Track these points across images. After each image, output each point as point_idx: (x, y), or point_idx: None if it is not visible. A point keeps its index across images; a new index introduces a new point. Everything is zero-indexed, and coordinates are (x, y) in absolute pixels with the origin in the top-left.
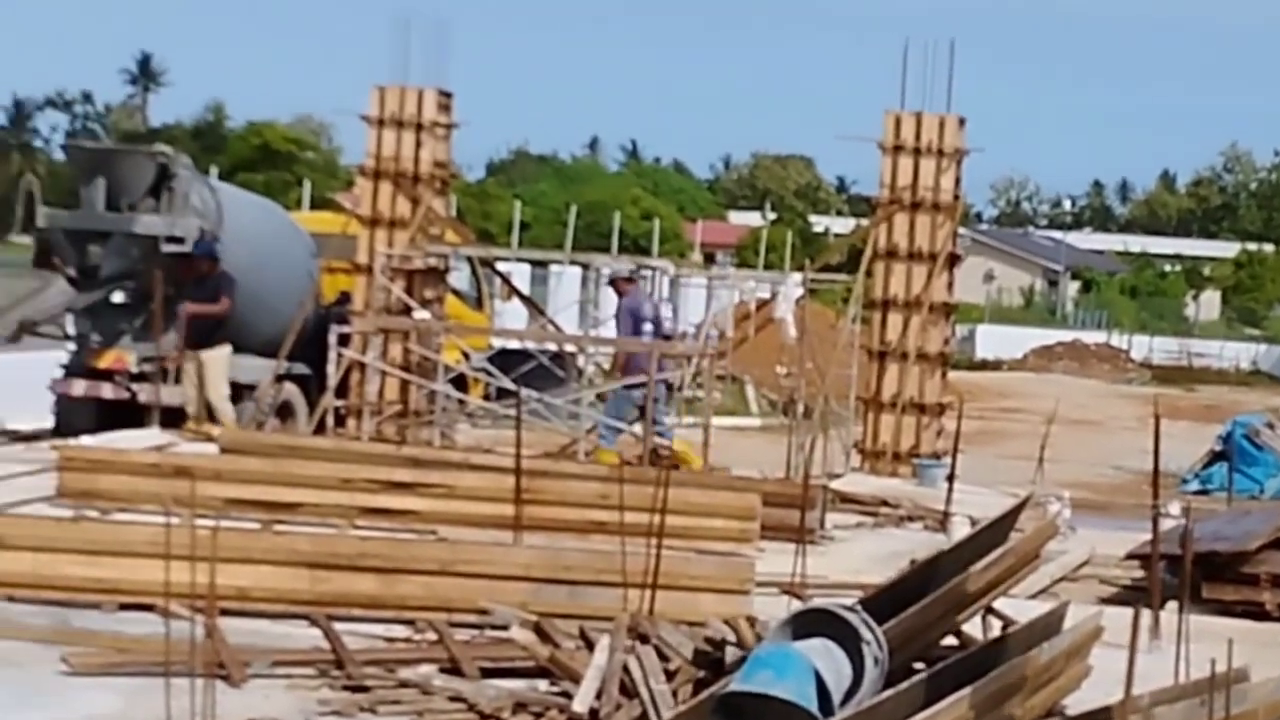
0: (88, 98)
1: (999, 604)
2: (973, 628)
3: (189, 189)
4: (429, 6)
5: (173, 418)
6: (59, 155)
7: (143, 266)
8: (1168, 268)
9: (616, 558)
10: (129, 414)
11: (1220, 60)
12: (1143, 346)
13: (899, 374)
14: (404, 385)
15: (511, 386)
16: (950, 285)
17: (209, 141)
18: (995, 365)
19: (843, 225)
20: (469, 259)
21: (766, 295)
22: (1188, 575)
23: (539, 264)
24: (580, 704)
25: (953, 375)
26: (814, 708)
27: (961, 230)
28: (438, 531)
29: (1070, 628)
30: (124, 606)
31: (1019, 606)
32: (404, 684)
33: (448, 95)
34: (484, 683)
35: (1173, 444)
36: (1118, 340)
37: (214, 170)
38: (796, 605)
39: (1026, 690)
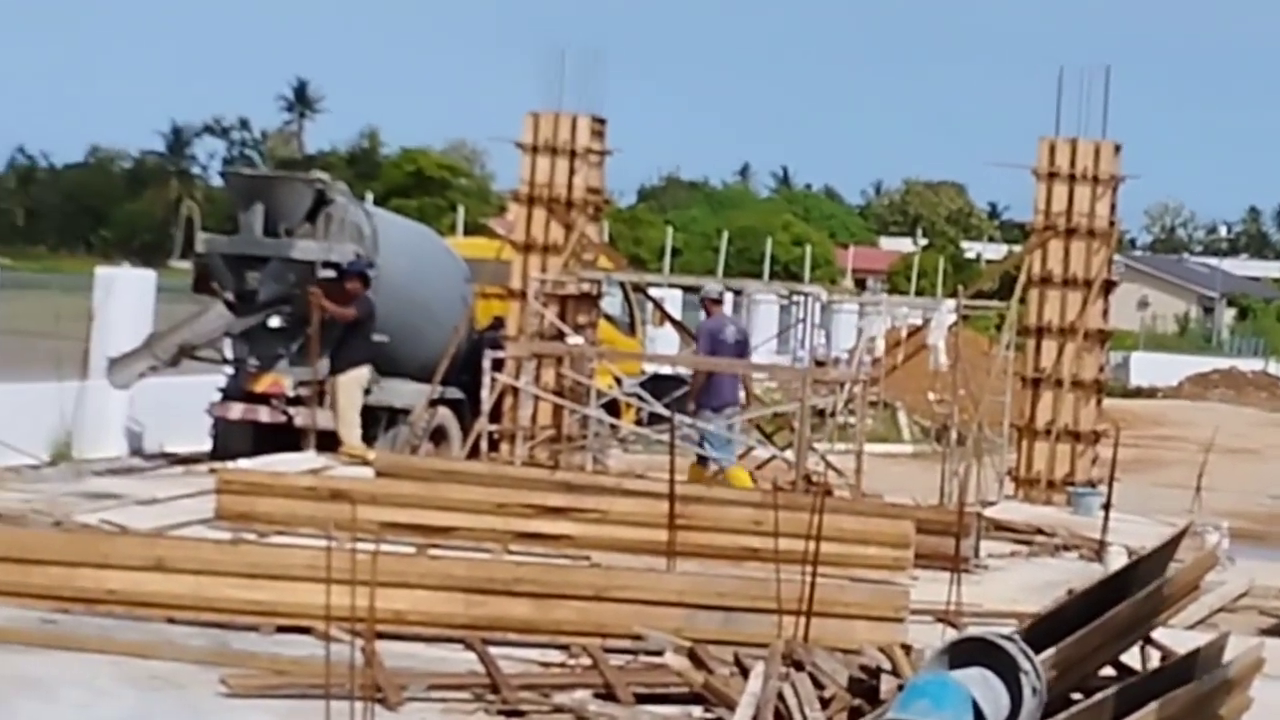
0: (245, 124)
1: (1158, 634)
2: (1131, 658)
3: (345, 214)
4: (583, 34)
5: (328, 441)
6: (216, 181)
7: (299, 291)
8: None
9: (770, 584)
10: (285, 437)
11: None
12: None
13: (1053, 401)
14: (557, 410)
15: (664, 412)
16: (1105, 312)
17: (363, 168)
18: (1150, 393)
19: (995, 251)
20: (622, 284)
21: (918, 321)
22: None
23: (691, 290)
24: None
25: (1107, 403)
26: None
27: (1116, 256)
28: (591, 557)
29: (1231, 659)
30: (282, 629)
31: (1178, 637)
32: (559, 709)
33: (601, 121)
34: (638, 708)
35: None
36: (1275, 368)
37: (369, 196)
38: (952, 634)
39: None
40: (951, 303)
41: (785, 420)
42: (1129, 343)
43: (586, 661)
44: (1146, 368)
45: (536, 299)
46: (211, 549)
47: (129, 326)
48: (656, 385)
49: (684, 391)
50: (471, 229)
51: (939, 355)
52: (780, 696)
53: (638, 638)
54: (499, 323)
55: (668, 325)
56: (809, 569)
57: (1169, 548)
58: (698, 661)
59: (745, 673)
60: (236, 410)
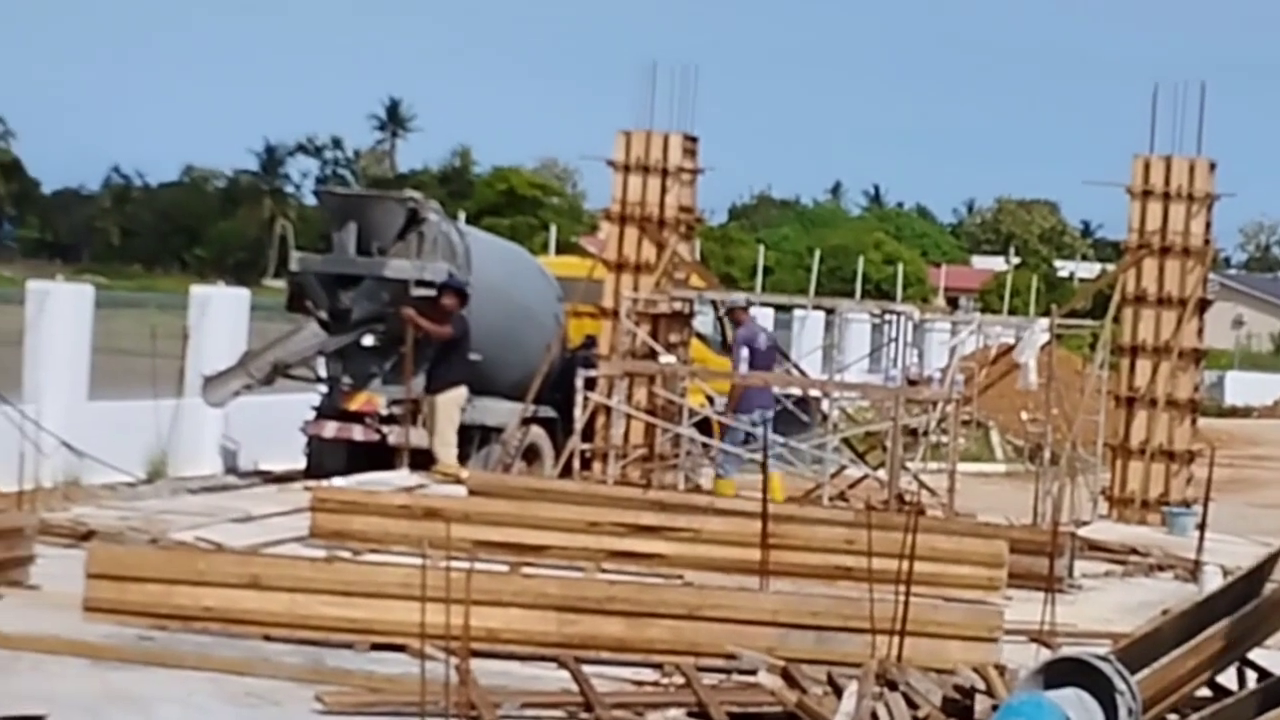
0: (337, 143)
1: (1254, 655)
2: (1228, 679)
3: (438, 233)
4: (675, 52)
5: (421, 459)
6: (310, 200)
7: (392, 310)
8: None
9: (863, 603)
10: (378, 455)
11: None
12: None
13: (1148, 420)
14: (649, 429)
15: (756, 431)
16: (1200, 330)
17: (455, 187)
18: (1245, 412)
19: (1088, 270)
20: (713, 303)
21: (1011, 340)
22: None
23: (782, 308)
24: None
25: (1201, 422)
26: None
27: (1211, 275)
28: (684, 575)
29: None
30: (376, 646)
31: (1275, 658)
32: None
33: (693, 139)
34: None
35: None
36: None
37: (461, 215)
38: (1046, 654)
39: None
40: (1045, 322)
41: (878, 439)
42: (1224, 362)
43: (680, 680)
44: (1241, 387)
45: (629, 318)
46: (306, 567)
47: (224, 345)
48: None
49: (778, 410)
50: (563, 247)
51: (1029, 374)
52: (874, 716)
53: (731, 657)
54: (591, 341)
55: None
56: (902, 588)
57: (1265, 567)
58: (791, 681)
59: (839, 692)
60: (330, 428)
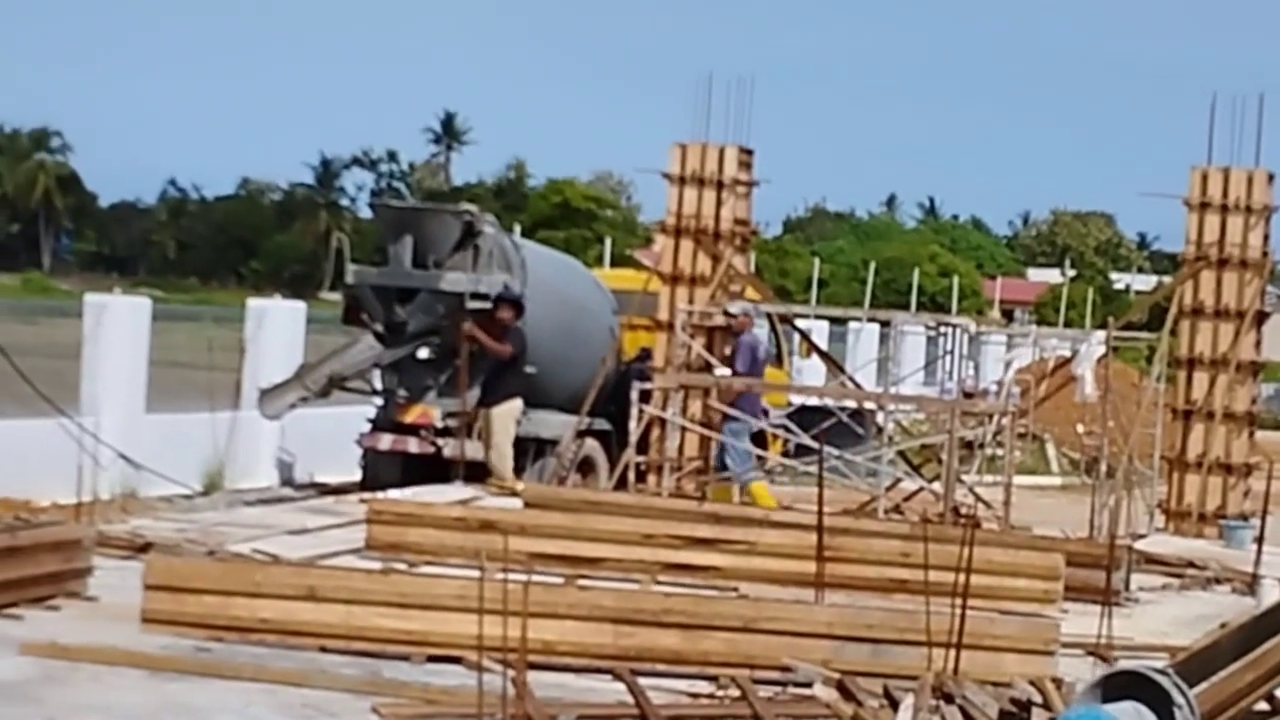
0: (393, 156)
1: None
2: None
3: (494, 246)
4: (731, 64)
5: (476, 471)
6: (365, 213)
7: (448, 323)
8: None
9: (919, 616)
10: (434, 468)
11: None
12: None
13: (1205, 433)
14: (704, 441)
15: (811, 443)
16: (1257, 343)
17: (510, 199)
18: None
19: (1144, 282)
20: (768, 316)
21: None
22: None
23: (837, 321)
24: None
25: (1259, 435)
26: None
27: (1269, 287)
28: (739, 588)
29: None
30: (432, 658)
31: None
32: None
33: (749, 152)
34: None
35: None
36: None
37: (516, 228)
38: (1103, 668)
39: None
40: (1101, 334)
41: (933, 452)
42: None
43: (735, 693)
44: None
45: (684, 330)
46: (362, 579)
47: (280, 358)
48: (804, 416)
49: (833, 422)
50: (618, 260)
51: (1085, 387)
52: None
53: (786, 669)
54: (646, 354)
55: (814, 356)
56: (958, 601)
57: None
58: (846, 693)
59: (895, 705)
60: (386, 441)
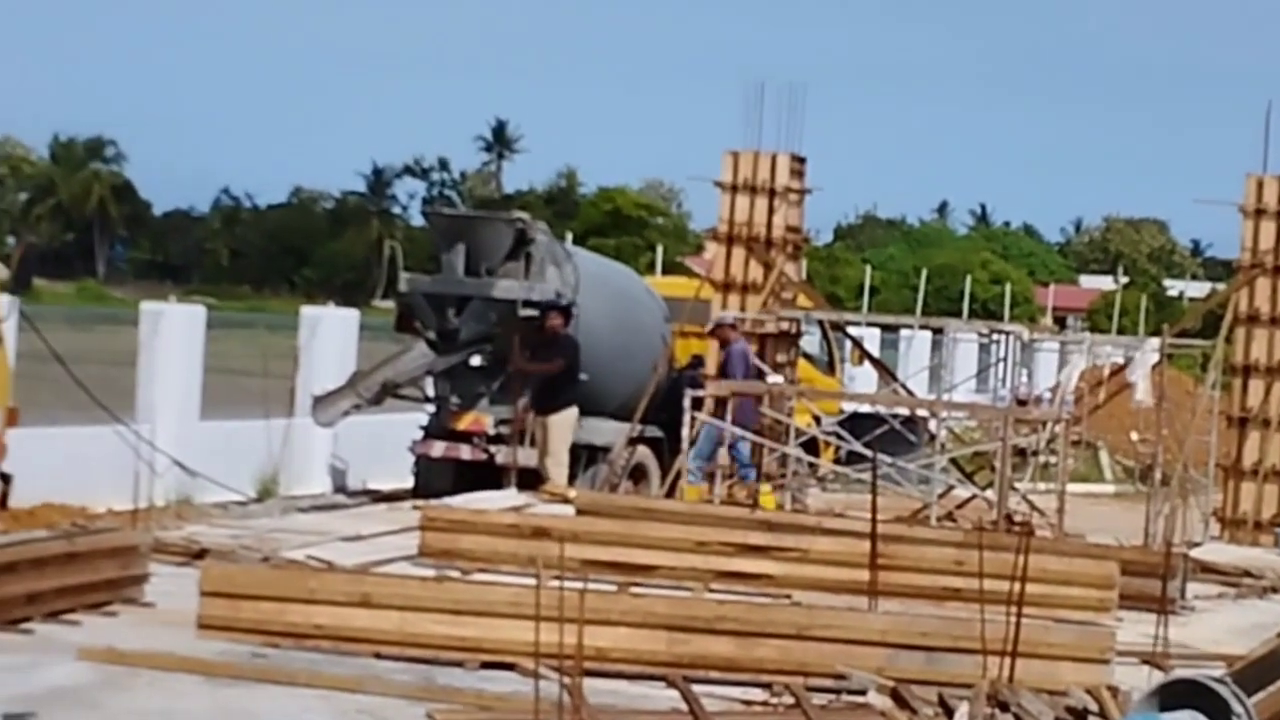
0: (444, 165)
1: None
2: None
3: (546, 254)
4: (782, 71)
5: (529, 478)
6: (417, 221)
7: (501, 330)
8: None
9: (973, 624)
10: (486, 475)
11: None
12: None
13: (1260, 441)
14: (756, 448)
15: (864, 450)
16: None
17: (561, 207)
18: None
19: (1198, 289)
20: (820, 323)
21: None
22: None
23: (889, 328)
24: None
25: None
26: None
27: None
28: (792, 595)
29: None
30: (485, 665)
31: None
32: None
33: (801, 160)
34: None
35: None
36: None
37: (568, 236)
38: (1158, 676)
39: None
40: (1155, 341)
41: (986, 459)
42: None
43: (789, 700)
44: None
45: None
46: (416, 585)
47: (333, 365)
48: (855, 424)
49: (885, 430)
50: (669, 268)
51: (1140, 394)
52: None
53: (840, 677)
54: (698, 361)
55: (866, 364)
56: (1013, 609)
57: None
58: (901, 701)
59: (949, 713)
60: (438, 448)
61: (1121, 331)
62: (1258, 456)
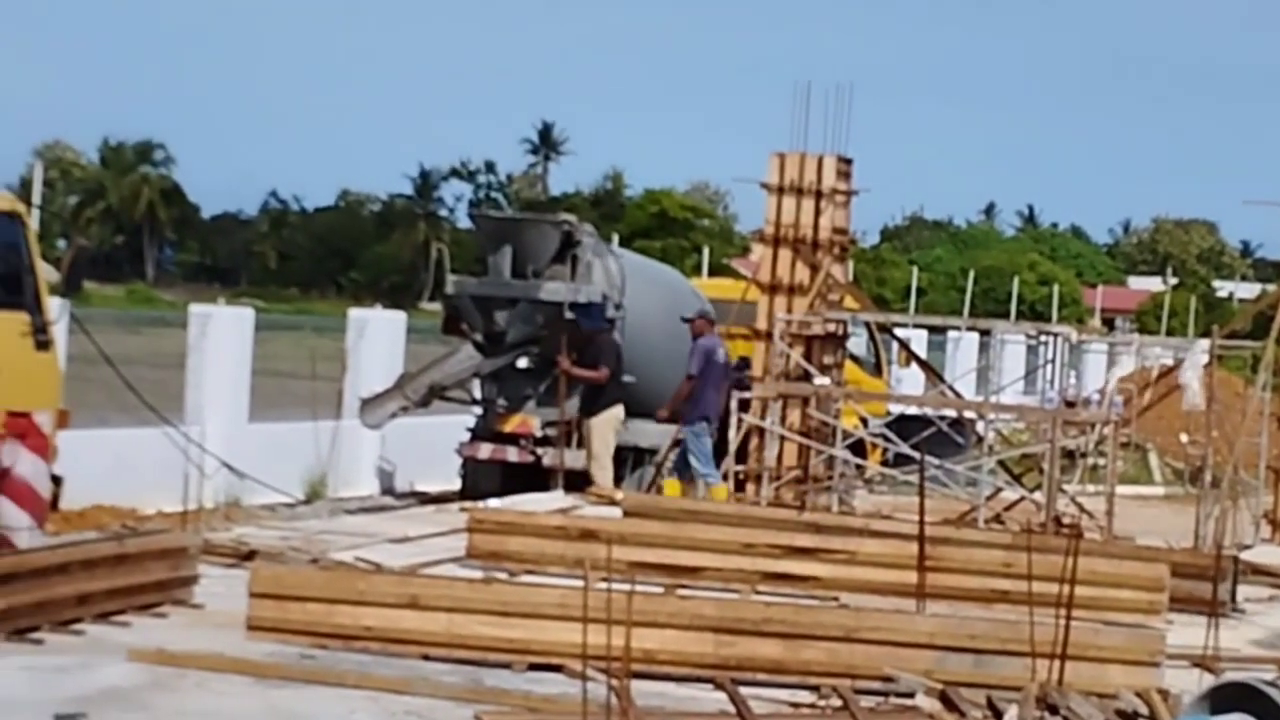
0: (490, 167)
1: None
2: None
3: (593, 256)
4: (829, 73)
5: (575, 480)
6: (463, 224)
7: (547, 332)
8: None
9: (1022, 627)
10: (533, 477)
11: None
12: None
13: None
14: (803, 450)
15: (911, 452)
16: None
17: (607, 209)
18: None
19: (1248, 290)
20: (867, 325)
21: (1169, 362)
22: None
23: (936, 330)
24: None
25: None
26: None
27: None
28: (839, 598)
29: None
30: (533, 666)
31: None
32: None
33: (848, 161)
34: None
35: None
36: None
37: (614, 238)
38: (1209, 679)
39: None
40: (1205, 343)
41: (1034, 461)
42: None
43: (837, 702)
44: None
45: (782, 339)
46: (464, 587)
47: (381, 367)
48: (903, 426)
49: (932, 432)
50: (715, 269)
51: (1192, 395)
52: None
53: (888, 679)
54: (745, 363)
55: (913, 365)
56: (1062, 612)
57: None
58: (949, 704)
59: (998, 716)
60: (485, 450)
61: (1170, 333)
62: None
